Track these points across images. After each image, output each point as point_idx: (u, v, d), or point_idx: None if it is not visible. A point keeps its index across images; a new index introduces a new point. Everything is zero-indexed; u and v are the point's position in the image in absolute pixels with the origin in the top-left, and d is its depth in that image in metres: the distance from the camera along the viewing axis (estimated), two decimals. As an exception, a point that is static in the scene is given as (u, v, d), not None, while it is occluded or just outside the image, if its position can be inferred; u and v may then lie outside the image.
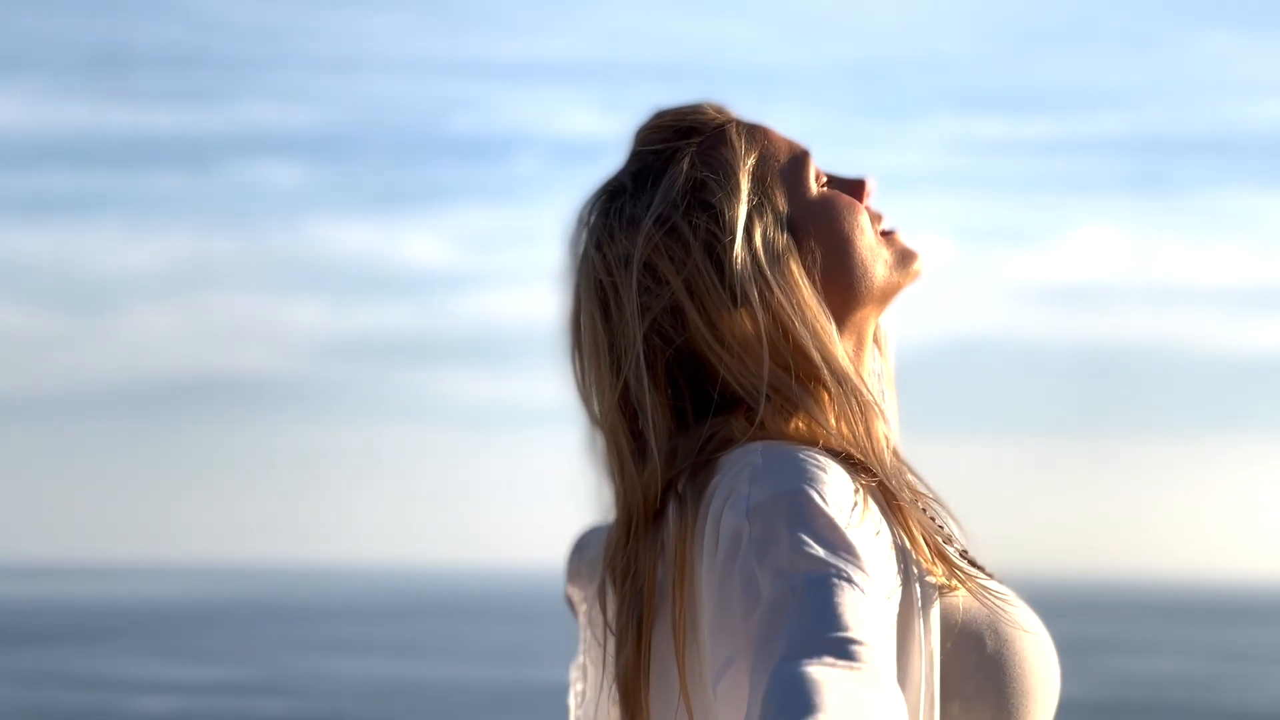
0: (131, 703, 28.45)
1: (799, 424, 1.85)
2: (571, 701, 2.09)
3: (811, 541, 1.66)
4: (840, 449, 1.81)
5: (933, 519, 1.87)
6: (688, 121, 1.93)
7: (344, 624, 59.03)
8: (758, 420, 1.84)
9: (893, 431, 1.92)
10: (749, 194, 1.89)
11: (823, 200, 1.93)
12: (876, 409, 1.85)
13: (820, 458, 1.77)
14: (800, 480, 1.72)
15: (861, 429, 1.84)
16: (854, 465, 1.81)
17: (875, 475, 1.81)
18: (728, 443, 1.83)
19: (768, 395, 1.84)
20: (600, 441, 1.92)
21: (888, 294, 1.94)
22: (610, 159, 1.98)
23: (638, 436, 1.87)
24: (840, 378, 1.84)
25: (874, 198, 1.98)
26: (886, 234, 1.96)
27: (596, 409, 1.91)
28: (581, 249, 1.93)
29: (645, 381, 1.86)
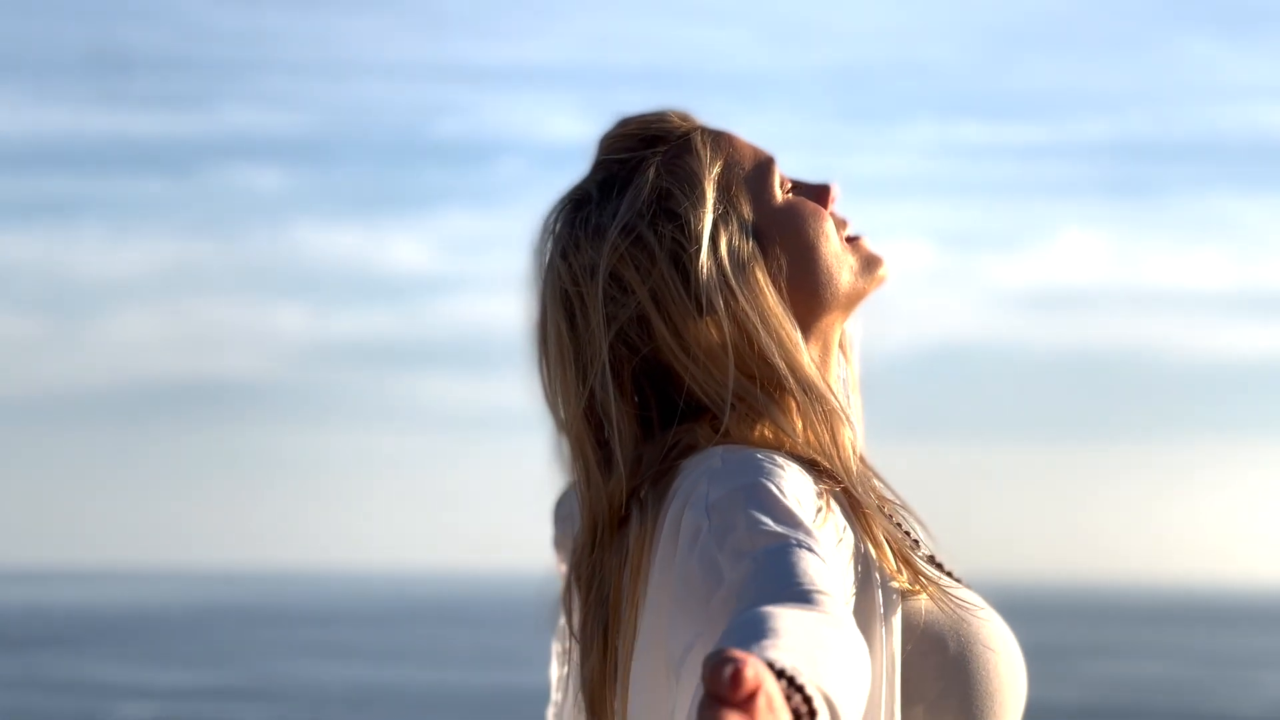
0: (113, 708, 28.40)
1: (765, 431, 1.86)
2: (554, 675, 2.11)
3: (769, 521, 1.67)
4: (805, 455, 1.83)
5: (899, 525, 1.88)
6: (653, 130, 1.94)
7: (326, 629, 58.97)
8: (723, 428, 1.85)
9: (858, 438, 1.93)
10: (714, 202, 1.89)
11: (788, 207, 1.93)
12: (842, 415, 1.86)
13: (779, 458, 1.78)
14: (757, 475, 1.73)
15: (827, 436, 1.85)
16: (819, 471, 1.82)
17: (840, 481, 1.82)
18: (691, 449, 1.85)
19: (732, 404, 1.85)
20: (566, 450, 1.93)
21: (853, 300, 1.95)
22: (594, 164, 1.97)
23: (603, 445, 1.88)
24: (805, 385, 1.85)
25: (838, 204, 1.98)
26: (851, 240, 1.97)
27: (563, 417, 1.91)
28: (547, 258, 1.93)
29: (611, 391, 1.87)
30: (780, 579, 1.58)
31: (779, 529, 1.66)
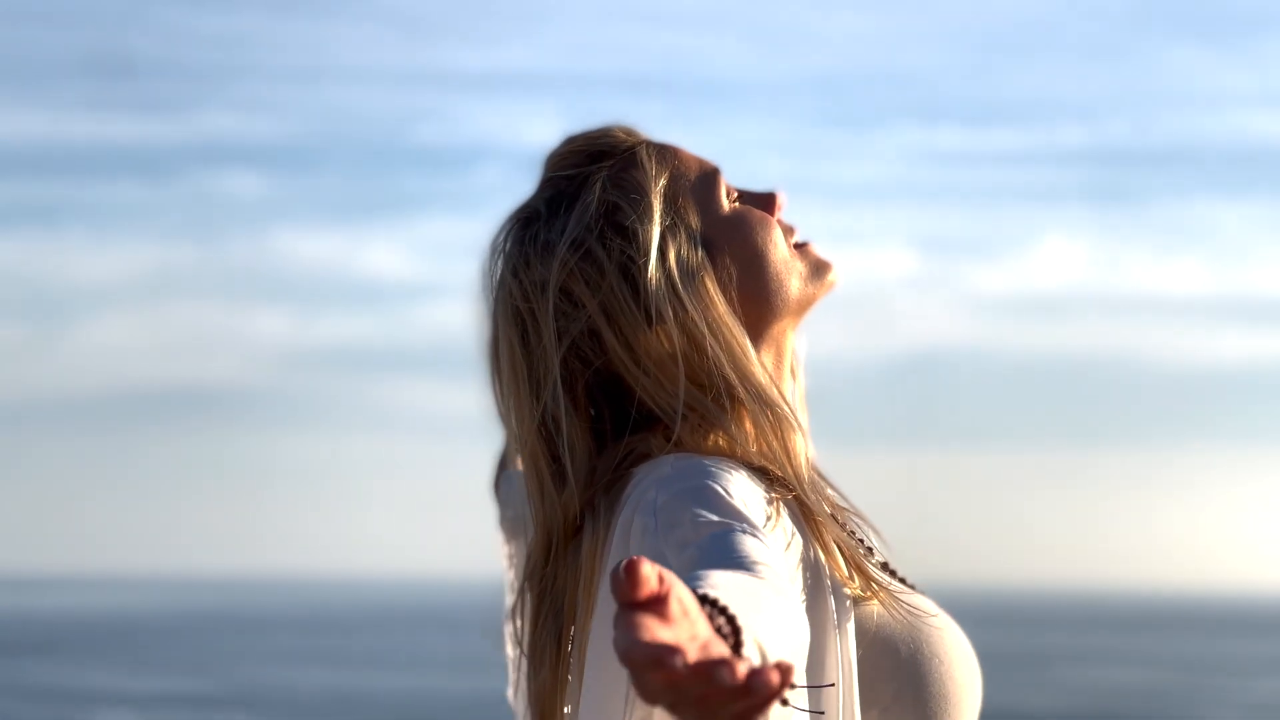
0: (92, 714, 28.34)
1: (717, 439, 1.88)
2: (510, 660, 2.12)
3: (713, 515, 1.69)
4: (757, 462, 1.84)
5: (852, 533, 1.89)
6: (598, 145, 1.96)
7: (306, 635, 58.90)
8: (675, 437, 1.86)
9: (809, 447, 1.95)
10: (661, 214, 1.91)
11: (735, 216, 1.96)
12: (793, 423, 1.88)
13: (728, 464, 1.80)
14: (704, 478, 1.76)
15: (778, 443, 1.87)
16: (771, 478, 1.84)
17: (792, 488, 1.84)
18: (645, 458, 1.86)
19: (684, 413, 1.87)
20: (521, 465, 1.94)
21: (804, 305, 1.97)
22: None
23: (557, 459, 1.90)
24: (755, 393, 1.87)
25: (785, 211, 2.00)
26: (800, 246, 1.99)
27: (516, 433, 1.93)
28: (498, 276, 1.95)
29: (564, 405, 1.89)
30: (721, 556, 1.60)
31: (721, 520, 1.68)
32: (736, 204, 1.98)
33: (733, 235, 1.94)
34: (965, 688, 1.86)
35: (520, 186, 2.02)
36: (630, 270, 1.89)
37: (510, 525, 2.23)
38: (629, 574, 1.17)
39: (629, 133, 1.98)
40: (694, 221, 1.93)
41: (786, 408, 1.88)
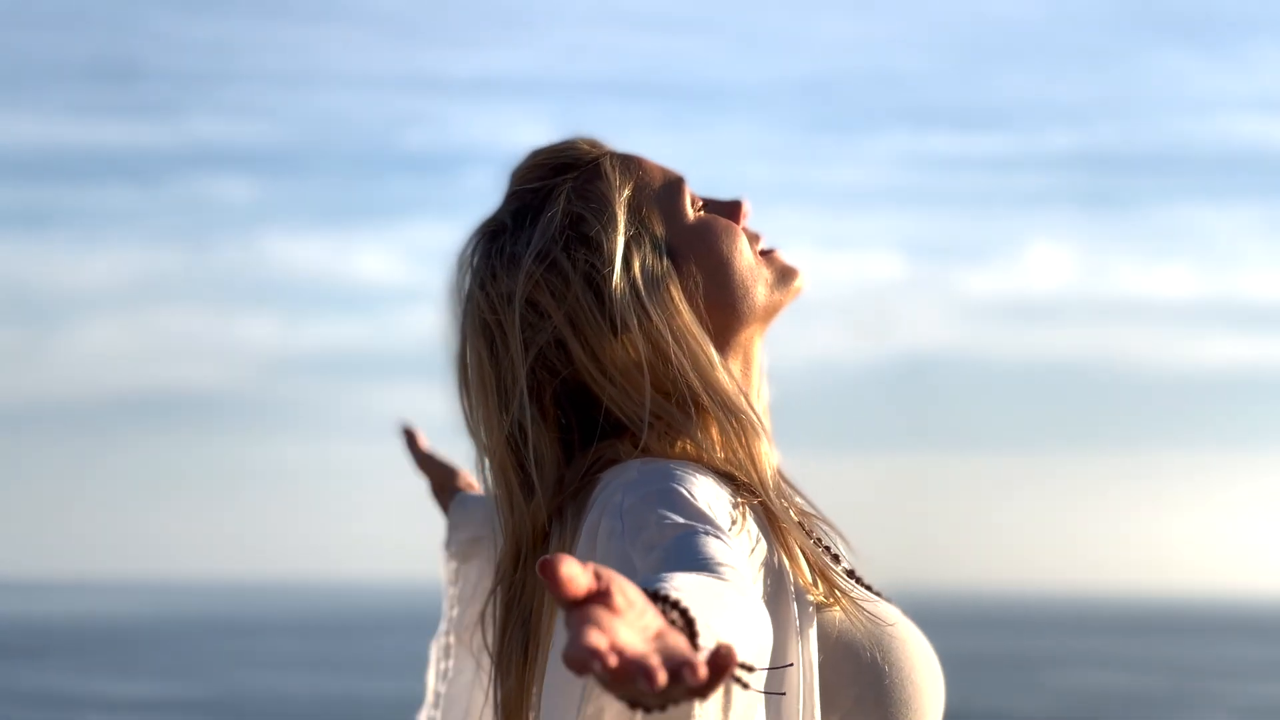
0: (82, 719, 28.30)
1: (684, 446, 1.89)
2: (432, 678, 2.13)
3: (678, 517, 1.70)
4: (723, 469, 1.86)
5: (817, 540, 1.91)
6: (562, 158, 1.98)
7: (295, 640, 58.85)
8: (641, 444, 1.88)
9: (775, 454, 1.96)
10: (626, 224, 1.93)
11: (700, 224, 1.97)
12: (758, 430, 1.90)
13: (694, 469, 1.82)
14: (669, 481, 1.77)
15: (743, 450, 1.88)
16: (736, 484, 1.85)
17: (757, 494, 1.85)
18: (612, 463, 1.88)
19: (650, 421, 1.88)
20: (489, 476, 1.95)
21: (770, 312, 1.99)
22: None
23: (525, 469, 1.91)
24: (721, 400, 1.89)
25: (750, 218, 2.02)
26: (765, 253, 2.00)
27: (485, 444, 1.94)
28: (466, 289, 1.96)
29: (531, 415, 1.90)
30: (685, 558, 1.61)
31: (685, 521, 1.69)
32: (701, 212, 1.99)
33: (697, 243, 1.96)
34: (926, 694, 1.87)
35: (509, 192, 2.03)
36: (595, 280, 1.90)
37: (461, 547, 2.21)
38: (546, 573, 1.17)
39: (594, 144, 2.00)
40: (658, 231, 1.94)
41: (752, 414, 1.90)
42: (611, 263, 1.90)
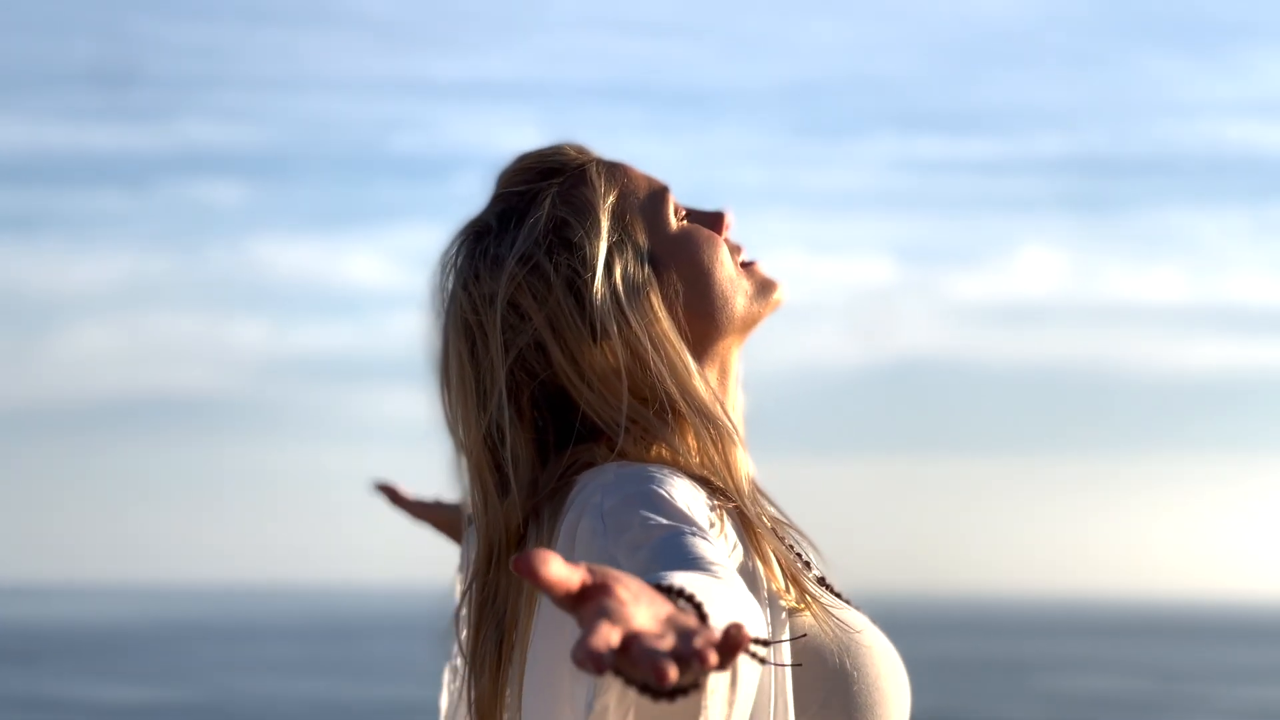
0: (70, 724, 28.26)
1: (660, 451, 1.92)
2: (445, 703, 2.14)
3: (662, 518, 1.73)
4: (699, 474, 1.88)
5: (790, 546, 1.93)
6: (549, 163, 2.00)
7: (286, 644, 58.80)
8: (618, 449, 1.90)
9: (750, 462, 1.98)
10: (609, 230, 1.95)
11: (682, 234, 1.99)
12: (734, 436, 1.92)
13: (670, 471, 1.84)
14: (649, 484, 1.79)
15: (719, 457, 1.91)
16: (712, 488, 1.87)
17: (733, 499, 1.88)
18: (588, 466, 1.90)
19: (626, 427, 1.90)
20: (465, 476, 1.97)
21: (749, 323, 2.01)
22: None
23: (501, 469, 1.93)
24: (697, 407, 1.91)
25: (732, 230, 2.04)
26: (746, 265, 2.03)
27: (463, 443, 1.96)
28: (449, 289, 1.99)
29: (509, 415, 1.92)
30: (675, 557, 1.63)
31: (669, 523, 1.72)
32: (684, 222, 2.02)
33: (679, 252, 1.98)
34: (892, 700, 1.90)
35: (499, 196, 2.04)
36: (576, 285, 1.92)
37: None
38: (525, 571, 1.20)
39: (580, 151, 2.02)
40: (641, 238, 1.97)
41: (728, 421, 1.92)
42: (593, 268, 1.93)
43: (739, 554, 1.84)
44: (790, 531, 1.95)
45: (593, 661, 1.17)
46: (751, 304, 2.01)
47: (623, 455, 1.90)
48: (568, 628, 1.74)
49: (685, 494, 1.80)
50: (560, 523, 1.84)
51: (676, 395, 1.91)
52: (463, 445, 1.96)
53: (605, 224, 1.95)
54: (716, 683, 1.43)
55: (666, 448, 1.91)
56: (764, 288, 2.02)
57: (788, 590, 1.86)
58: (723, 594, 1.46)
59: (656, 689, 1.24)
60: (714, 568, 1.59)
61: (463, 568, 2.24)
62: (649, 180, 2.02)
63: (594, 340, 1.91)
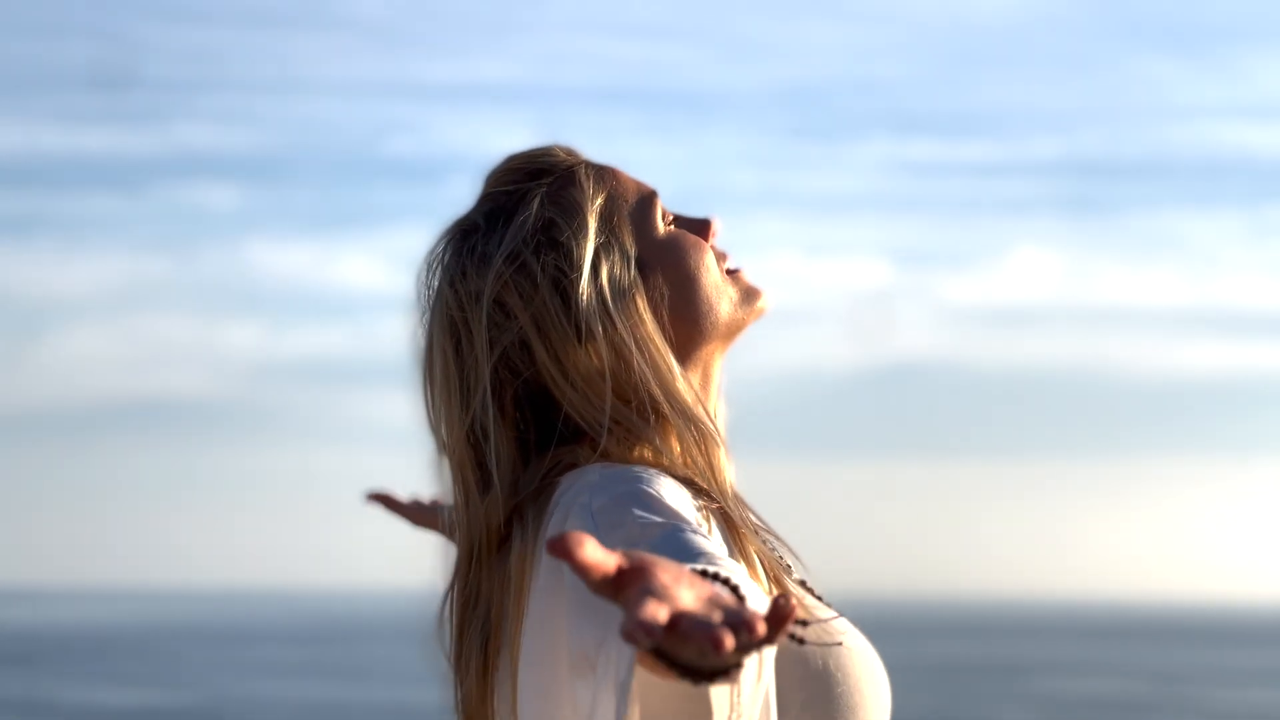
0: (64, 728, 28.25)
1: (643, 452, 1.92)
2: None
3: (653, 515, 1.74)
4: (682, 475, 1.89)
5: (772, 550, 1.94)
6: (538, 163, 2.01)
7: (280, 648, 58.78)
8: (600, 449, 1.90)
9: (731, 468, 1.99)
10: (596, 232, 1.96)
11: (669, 239, 2.00)
12: (717, 439, 1.93)
13: (654, 472, 1.85)
14: (637, 483, 1.80)
15: (702, 459, 1.92)
16: (697, 489, 1.88)
17: (717, 501, 1.89)
18: (571, 467, 1.90)
19: (609, 428, 1.91)
20: (447, 473, 1.97)
21: (733, 330, 2.02)
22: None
23: (483, 467, 1.93)
24: (680, 410, 1.92)
25: (719, 237, 2.05)
26: (731, 272, 2.04)
27: (445, 441, 1.97)
28: (435, 286, 1.99)
29: (492, 413, 1.92)
30: (680, 553, 1.63)
31: (665, 520, 1.73)
32: (672, 227, 2.02)
33: (666, 257, 1.99)
34: (873, 699, 1.91)
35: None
36: (563, 284, 1.93)
37: None
38: (562, 554, 1.25)
39: (569, 152, 2.03)
40: (628, 241, 1.97)
41: (710, 424, 1.93)
42: (580, 269, 1.93)
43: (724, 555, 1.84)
44: (769, 536, 1.96)
45: (645, 631, 1.21)
46: (736, 311, 2.01)
47: (606, 456, 1.90)
48: (562, 628, 1.74)
49: (673, 494, 1.81)
50: (544, 525, 1.84)
51: (660, 397, 1.91)
52: (444, 443, 1.97)
53: (593, 225, 1.96)
54: (745, 674, 1.45)
55: (650, 449, 1.91)
56: (749, 295, 2.03)
57: (771, 592, 1.87)
58: (750, 581, 1.48)
59: (697, 670, 1.30)
60: (720, 561, 1.60)
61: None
62: (638, 184, 2.02)
63: (579, 340, 1.92)
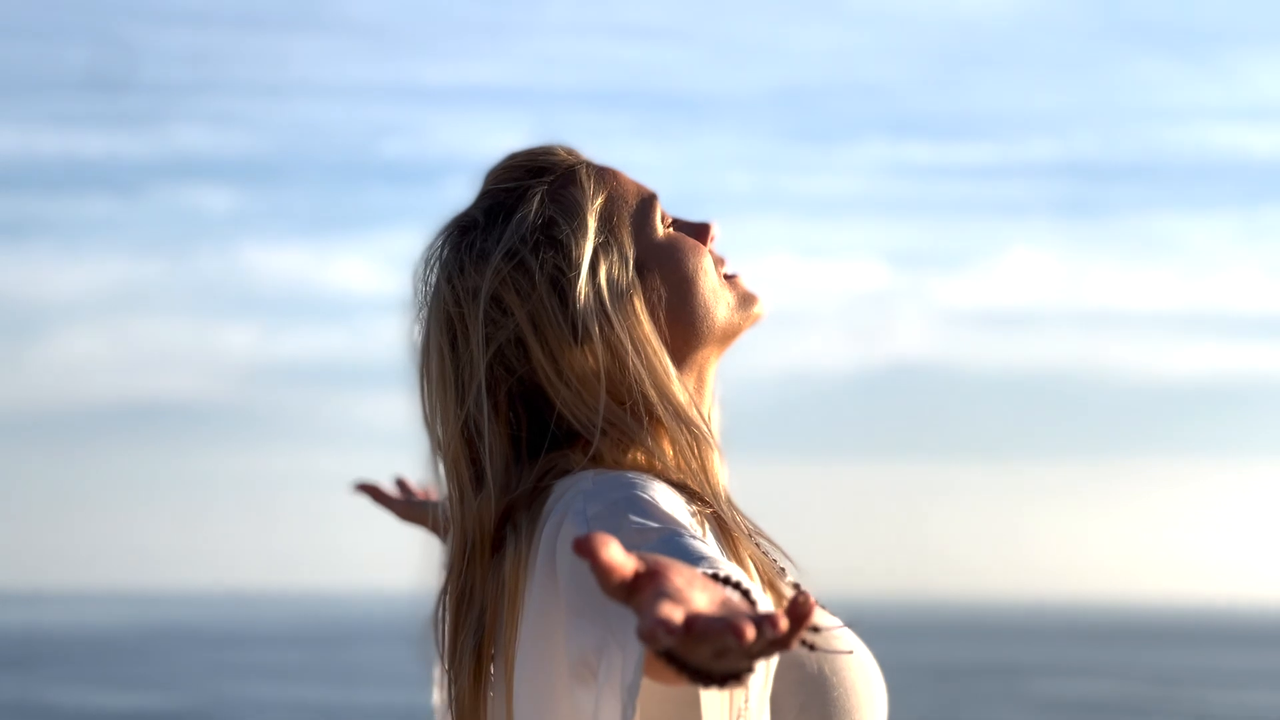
0: (60, 731, 28.22)
1: (636, 456, 1.92)
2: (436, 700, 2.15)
3: (651, 522, 1.74)
4: (676, 479, 1.89)
5: (765, 553, 1.93)
6: (539, 162, 2.01)
7: (275, 650, 58.75)
8: (593, 451, 1.90)
9: (725, 471, 2.00)
10: (595, 232, 1.96)
11: (668, 242, 2.00)
12: (711, 442, 1.93)
13: (648, 478, 1.84)
14: (631, 490, 1.80)
15: (696, 462, 1.91)
16: (690, 493, 1.88)
17: (710, 505, 1.88)
18: (564, 474, 1.90)
19: (603, 429, 1.91)
20: (441, 470, 1.97)
21: (729, 334, 2.02)
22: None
23: (477, 463, 1.93)
24: (675, 412, 1.92)
25: (717, 242, 2.05)
26: (729, 277, 2.04)
27: (439, 437, 1.96)
28: (432, 282, 1.99)
29: (486, 410, 1.92)
30: (681, 558, 1.62)
31: (662, 525, 1.72)
32: (671, 230, 2.02)
33: (664, 260, 1.99)
34: (869, 702, 1.91)
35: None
36: (560, 283, 1.93)
37: None
38: (586, 554, 1.26)
39: (570, 152, 2.03)
40: (627, 243, 1.97)
41: (705, 427, 1.93)
42: (578, 268, 1.93)
43: None
44: (762, 539, 1.95)
45: (663, 629, 1.23)
46: (733, 315, 2.01)
47: (598, 459, 1.90)
48: (559, 635, 1.73)
49: (667, 499, 1.80)
50: (538, 532, 1.83)
51: (655, 399, 1.91)
52: (439, 439, 1.96)
53: (592, 225, 1.96)
54: (755, 679, 1.47)
55: (643, 452, 1.91)
56: (746, 300, 2.03)
57: (765, 594, 1.84)
58: (757, 586, 1.49)
59: (709, 673, 1.30)
60: (720, 566, 1.59)
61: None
62: (638, 186, 2.02)
63: (575, 340, 1.92)
